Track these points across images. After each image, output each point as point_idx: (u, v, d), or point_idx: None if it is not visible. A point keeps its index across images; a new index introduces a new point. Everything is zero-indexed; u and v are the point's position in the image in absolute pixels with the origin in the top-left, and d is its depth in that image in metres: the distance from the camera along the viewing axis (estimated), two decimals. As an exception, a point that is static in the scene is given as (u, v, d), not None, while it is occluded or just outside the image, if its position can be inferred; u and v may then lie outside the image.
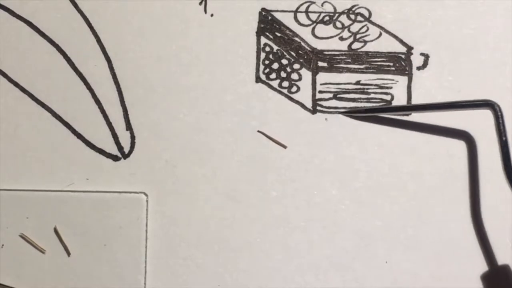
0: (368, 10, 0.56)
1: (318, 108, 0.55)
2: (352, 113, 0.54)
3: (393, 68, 0.56)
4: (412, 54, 0.56)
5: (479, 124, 0.53)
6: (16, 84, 0.54)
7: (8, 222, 0.52)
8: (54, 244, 0.52)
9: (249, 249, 0.53)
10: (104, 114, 0.54)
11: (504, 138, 0.50)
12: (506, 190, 0.50)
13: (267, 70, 0.55)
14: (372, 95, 0.55)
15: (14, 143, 0.54)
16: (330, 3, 0.56)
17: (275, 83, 0.55)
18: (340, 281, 0.53)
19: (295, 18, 0.56)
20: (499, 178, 0.50)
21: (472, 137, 0.54)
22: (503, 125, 0.51)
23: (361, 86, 0.55)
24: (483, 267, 0.53)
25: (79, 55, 0.55)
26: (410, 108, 0.54)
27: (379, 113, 0.55)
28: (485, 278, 0.52)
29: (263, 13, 0.56)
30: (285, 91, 0.55)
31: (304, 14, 0.56)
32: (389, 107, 0.55)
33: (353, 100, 0.55)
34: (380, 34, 0.56)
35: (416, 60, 0.55)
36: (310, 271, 0.53)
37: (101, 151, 0.54)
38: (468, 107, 0.52)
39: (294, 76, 0.55)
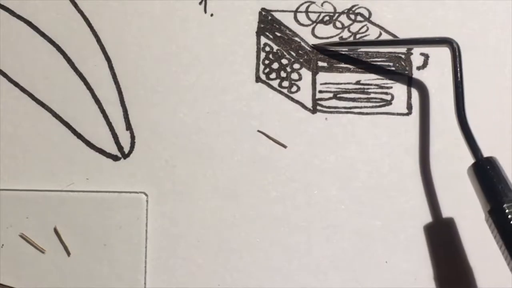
0: (368, 10, 0.56)
1: (318, 108, 0.55)
2: (328, 45, 0.55)
3: (393, 68, 0.56)
4: (412, 54, 0.56)
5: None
6: (16, 84, 0.54)
7: (8, 222, 0.52)
8: (54, 244, 0.52)
9: (249, 249, 0.53)
10: (104, 114, 0.54)
11: (459, 78, 0.51)
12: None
13: (267, 70, 0.55)
14: (372, 95, 0.55)
15: (14, 143, 0.54)
16: (330, 3, 0.56)
17: (275, 83, 0.55)
18: (340, 281, 0.53)
19: (295, 18, 0.56)
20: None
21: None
22: (460, 64, 0.51)
23: (361, 86, 0.55)
24: (483, 266, 0.53)
25: (79, 55, 0.55)
26: (376, 43, 0.55)
27: (350, 46, 0.55)
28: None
29: (263, 13, 0.56)
30: (285, 91, 0.55)
31: (304, 14, 0.56)
32: (357, 41, 0.55)
33: (353, 100, 0.55)
34: (380, 34, 0.56)
35: (416, 60, 0.56)
36: (310, 271, 0.53)
37: (101, 151, 0.54)
38: (427, 43, 0.53)
39: (294, 76, 0.55)
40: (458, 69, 0.51)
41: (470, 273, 0.53)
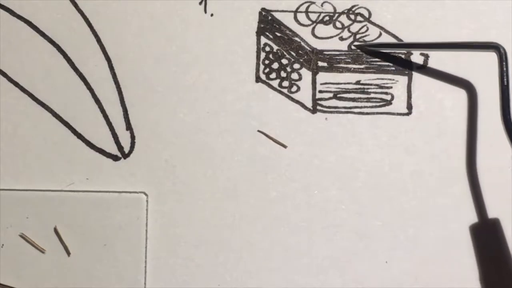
0: (368, 10, 0.56)
1: (318, 108, 0.55)
2: (363, 47, 0.54)
3: (393, 68, 0.56)
4: (412, 54, 0.56)
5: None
6: (16, 84, 0.54)
7: (8, 222, 0.52)
8: (54, 244, 0.52)
9: (249, 249, 0.53)
10: (104, 114, 0.54)
11: (505, 82, 0.50)
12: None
13: (267, 70, 0.55)
14: (372, 95, 0.55)
15: (14, 143, 0.54)
16: (330, 3, 0.56)
17: (275, 83, 0.55)
18: (340, 281, 0.53)
19: (295, 18, 0.56)
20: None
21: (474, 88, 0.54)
22: (507, 69, 0.50)
23: (361, 86, 0.55)
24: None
25: (79, 55, 0.55)
26: (415, 45, 0.55)
27: (384, 49, 0.55)
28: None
29: (263, 13, 0.56)
30: (285, 90, 0.55)
31: (304, 14, 0.56)
32: (394, 44, 0.55)
33: (353, 99, 0.55)
34: (380, 34, 0.56)
35: (416, 60, 0.55)
36: (310, 271, 0.53)
37: (101, 151, 0.54)
38: (474, 48, 0.52)
39: (294, 75, 0.55)
40: (505, 74, 0.51)
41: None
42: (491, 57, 0.54)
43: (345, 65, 0.55)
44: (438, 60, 0.55)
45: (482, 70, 0.55)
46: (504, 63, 0.50)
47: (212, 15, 0.55)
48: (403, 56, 0.55)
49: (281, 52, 0.56)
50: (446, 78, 0.55)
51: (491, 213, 0.53)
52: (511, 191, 0.53)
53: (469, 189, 0.54)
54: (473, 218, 0.53)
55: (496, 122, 0.55)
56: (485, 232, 0.53)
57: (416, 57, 0.55)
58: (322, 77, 0.55)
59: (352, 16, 0.56)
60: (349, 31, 0.56)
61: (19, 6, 0.55)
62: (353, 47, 0.55)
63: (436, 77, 0.55)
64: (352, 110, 0.55)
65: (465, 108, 0.55)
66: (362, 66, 0.55)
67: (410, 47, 0.55)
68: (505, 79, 0.50)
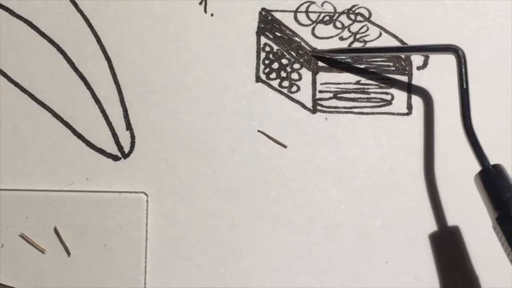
0: (368, 10, 0.56)
1: (318, 107, 0.55)
2: (331, 53, 0.54)
3: (393, 68, 0.56)
4: (410, 54, 0.56)
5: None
6: (16, 84, 0.54)
7: (8, 222, 0.52)
8: (54, 244, 0.52)
9: (249, 249, 0.53)
10: (104, 114, 0.54)
11: (464, 85, 0.50)
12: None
13: (267, 70, 0.55)
14: (372, 95, 0.55)
15: (14, 143, 0.54)
16: (330, 3, 0.56)
17: (275, 83, 0.55)
18: (340, 281, 0.53)
19: (295, 18, 0.56)
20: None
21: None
22: (465, 72, 0.50)
23: (361, 86, 0.55)
24: (483, 266, 0.53)
25: (79, 55, 0.55)
26: (378, 50, 0.55)
27: (352, 53, 0.55)
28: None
29: (263, 13, 0.56)
30: (285, 90, 0.55)
31: (304, 14, 0.56)
32: (359, 49, 0.55)
33: (353, 99, 0.55)
34: (380, 34, 0.56)
35: (416, 60, 0.56)
36: (310, 271, 0.53)
37: (101, 151, 0.54)
38: (433, 50, 0.53)
39: (294, 75, 0.55)
40: (464, 76, 0.51)
41: (475, 281, 0.53)
42: (491, 58, 0.54)
43: (345, 65, 0.55)
44: (438, 60, 0.55)
45: (482, 70, 0.55)
46: (463, 65, 0.50)
47: (212, 15, 0.55)
48: (403, 56, 0.55)
49: (281, 52, 0.56)
50: (446, 78, 0.55)
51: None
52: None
53: (469, 189, 0.54)
54: (473, 218, 0.53)
55: (496, 121, 0.55)
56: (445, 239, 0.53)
57: (416, 57, 0.56)
58: (322, 77, 0.55)
59: (352, 16, 0.56)
60: (349, 31, 0.56)
61: (19, 6, 0.55)
62: (311, 53, 0.55)
63: (436, 77, 0.55)
64: (352, 110, 0.55)
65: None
66: (362, 66, 0.56)
67: (367, 51, 0.55)
68: (464, 83, 0.51)
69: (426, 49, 0.53)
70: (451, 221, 0.54)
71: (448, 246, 0.53)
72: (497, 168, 0.48)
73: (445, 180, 0.54)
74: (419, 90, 0.55)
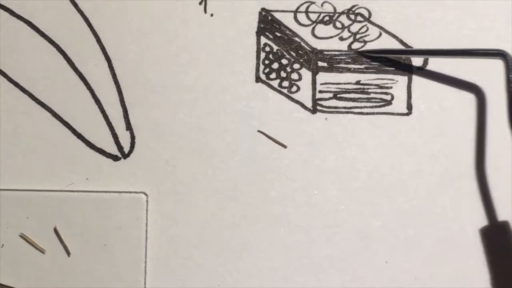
0: (368, 10, 0.56)
1: (318, 108, 0.55)
2: (366, 53, 0.54)
3: (393, 68, 0.56)
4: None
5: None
6: (16, 84, 0.54)
7: (8, 222, 0.52)
8: (54, 244, 0.52)
9: (249, 249, 0.53)
10: (104, 114, 0.54)
11: None
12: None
13: (267, 70, 0.55)
14: (372, 95, 0.55)
15: (14, 143, 0.54)
16: (330, 3, 0.56)
17: (275, 83, 0.55)
18: (340, 281, 0.53)
19: (295, 18, 0.56)
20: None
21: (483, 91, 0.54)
22: None
23: (361, 86, 0.55)
24: (483, 266, 0.53)
25: (79, 55, 0.55)
26: (422, 52, 0.54)
27: (391, 55, 0.55)
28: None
29: (263, 13, 0.56)
30: (285, 91, 0.55)
31: (304, 14, 0.56)
32: (396, 50, 0.55)
33: (353, 100, 0.55)
34: (380, 34, 0.56)
35: (416, 60, 0.56)
36: (310, 271, 0.53)
37: (101, 151, 0.54)
38: (480, 55, 0.52)
39: (294, 76, 0.55)
40: None
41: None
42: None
43: (345, 65, 0.55)
44: (438, 60, 0.55)
45: (482, 70, 0.55)
46: (511, 70, 0.50)
47: (212, 15, 0.55)
48: (403, 56, 0.55)
49: (281, 52, 0.56)
50: (446, 78, 0.55)
51: (492, 214, 0.53)
52: None
53: (469, 189, 0.54)
54: (473, 218, 0.53)
55: (496, 122, 0.55)
56: (493, 234, 0.53)
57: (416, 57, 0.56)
58: (322, 77, 0.55)
59: (352, 16, 0.56)
60: (349, 31, 0.56)
61: (19, 6, 0.55)
62: (353, 50, 0.55)
63: (436, 77, 0.55)
64: (352, 110, 0.55)
65: (465, 108, 0.55)
66: (362, 66, 0.55)
67: (413, 53, 0.55)
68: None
69: (473, 53, 0.53)
70: (451, 220, 0.54)
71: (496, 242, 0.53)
72: None
73: (445, 180, 0.54)
74: (419, 90, 0.55)
